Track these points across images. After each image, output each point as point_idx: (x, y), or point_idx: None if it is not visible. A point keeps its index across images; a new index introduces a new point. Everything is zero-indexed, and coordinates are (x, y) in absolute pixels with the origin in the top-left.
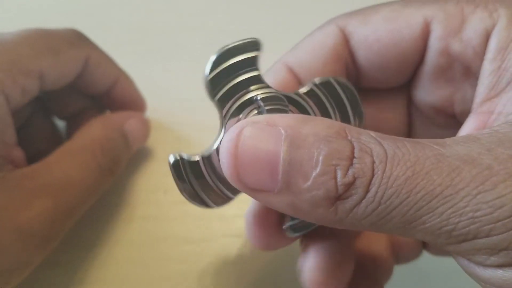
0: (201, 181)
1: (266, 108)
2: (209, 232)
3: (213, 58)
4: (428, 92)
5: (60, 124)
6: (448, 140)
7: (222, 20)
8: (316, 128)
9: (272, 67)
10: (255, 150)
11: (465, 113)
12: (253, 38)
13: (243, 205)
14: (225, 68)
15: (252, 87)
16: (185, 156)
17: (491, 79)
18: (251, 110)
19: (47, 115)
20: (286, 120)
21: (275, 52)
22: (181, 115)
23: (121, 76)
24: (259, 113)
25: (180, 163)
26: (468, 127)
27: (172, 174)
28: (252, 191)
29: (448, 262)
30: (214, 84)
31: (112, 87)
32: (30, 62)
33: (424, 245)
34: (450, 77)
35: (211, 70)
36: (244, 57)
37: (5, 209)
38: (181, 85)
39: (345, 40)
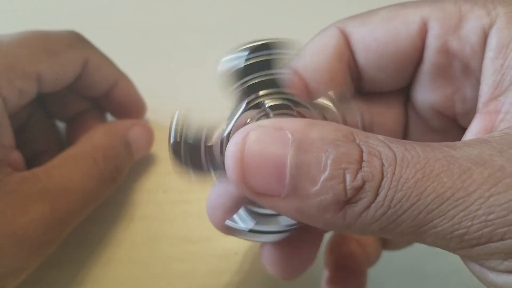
0: (197, 165)
1: (274, 115)
2: (209, 231)
3: (231, 54)
4: (428, 92)
5: (60, 125)
6: (458, 143)
7: (222, 21)
8: (323, 132)
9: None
10: (262, 154)
11: (466, 114)
12: (280, 38)
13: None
14: (244, 67)
15: (261, 92)
16: (189, 140)
17: (495, 77)
18: (260, 117)
19: (46, 116)
20: (293, 124)
21: None
22: None
23: (120, 78)
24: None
25: (182, 145)
26: (475, 128)
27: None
28: (259, 196)
29: (448, 262)
30: (228, 80)
31: (111, 89)
32: (27, 65)
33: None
34: (449, 75)
35: (226, 65)
36: (264, 58)
37: (1, 213)
38: (181, 85)
39: (346, 40)
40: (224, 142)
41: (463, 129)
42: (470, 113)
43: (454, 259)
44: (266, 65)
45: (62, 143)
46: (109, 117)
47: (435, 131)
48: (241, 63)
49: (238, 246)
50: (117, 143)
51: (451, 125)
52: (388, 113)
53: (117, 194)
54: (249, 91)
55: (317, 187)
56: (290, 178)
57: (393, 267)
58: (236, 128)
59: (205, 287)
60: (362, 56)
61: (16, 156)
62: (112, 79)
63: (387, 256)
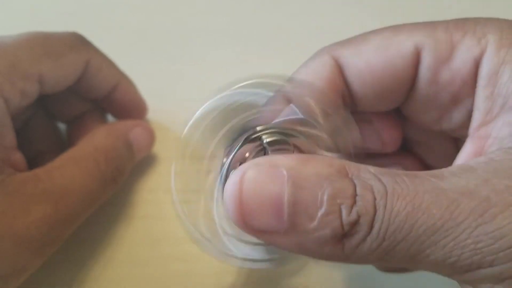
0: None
1: (271, 150)
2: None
3: (223, 93)
4: (417, 113)
5: (61, 126)
6: (445, 172)
7: (223, 21)
8: (317, 168)
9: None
10: (259, 193)
11: (453, 130)
12: (272, 76)
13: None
14: (237, 105)
15: (258, 128)
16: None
17: (486, 105)
18: (259, 150)
19: (48, 117)
20: (288, 161)
21: (275, 52)
22: (181, 115)
23: (122, 79)
24: (265, 154)
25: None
26: (465, 152)
27: None
28: (259, 233)
29: None
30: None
31: (112, 91)
32: (29, 66)
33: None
34: (438, 103)
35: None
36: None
37: (3, 213)
38: (181, 85)
39: (339, 70)
40: (223, 177)
41: (452, 144)
42: (456, 130)
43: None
44: (260, 101)
45: (63, 144)
46: (110, 118)
47: (423, 146)
48: (237, 100)
49: None
50: (119, 144)
51: (440, 139)
52: (387, 123)
53: (118, 194)
54: (247, 127)
55: (315, 223)
56: (288, 215)
57: None
58: (235, 161)
59: (205, 287)
60: (357, 86)
61: (18, 156)
62: (114, 80)
63: None
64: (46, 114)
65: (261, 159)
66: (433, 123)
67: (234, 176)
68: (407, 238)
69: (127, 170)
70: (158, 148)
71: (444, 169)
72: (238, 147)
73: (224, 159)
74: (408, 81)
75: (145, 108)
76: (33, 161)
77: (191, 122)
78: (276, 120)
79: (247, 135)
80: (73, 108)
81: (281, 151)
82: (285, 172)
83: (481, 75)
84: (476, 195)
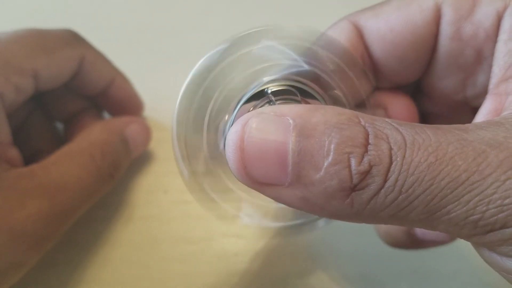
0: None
1: (277, 101)
2: (209, 232)
3: (225, 44)
4: (439, 79)
5: (59, 126)
6: (470, 125)
7: (222, 20)
8: (326, 116)
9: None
10: (262, 142)
11: (476, 97)
12: (271, 25)
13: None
14: (241, 55)
15: (265, 78)
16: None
17: (507, 59)
18: (264, 104)
19: (45, 116)
20: (295, 110)
21: None
22: None
23: (117, 76)
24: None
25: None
26: (485, 109)
27: None
28: (261, 185)
29: (448, 262)
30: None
31: (108, 87)
32: (23, 61)
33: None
34: (462, 63)
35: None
36: (261, 45)
37: None
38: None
39: (359, 34)
40: (226, 132)
41: (472, 115)
42: (481, 96)
43: (454, 259)
44: (270, 53)
45: (61, 143)
46: (107, 116)
47: (441, 119)
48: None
49: (238, 247)
50: (114, 140)
51: (460, 111)
52: (402, 107)
53: (117, 194)
54: (248, 79)
55: (321, 173)
56: (293, 166)
57: (393, 267)
58: (238, 117)
59: None
60: (378, 48)
61: (14, 152)
62: (109, 76)
63: (387, 256)
64: (43, 113)
65: (265, 108)
66: (456, 89)
67: (236, 125)
68: (427, 192)
69: (123, 165)
70: (156, 148)
71: (468, 124)
72: (240, 102)
73: (227, 116)
74: (430, 39)
75: (141, 105)
76: (31, 160)
77: (183, 89)
78: (283, 73)
79: (251, 88)
80: (70, 106)
81: (289, 102)
82: (291, 121)
83: (503, 29)
84: (505, 146)
